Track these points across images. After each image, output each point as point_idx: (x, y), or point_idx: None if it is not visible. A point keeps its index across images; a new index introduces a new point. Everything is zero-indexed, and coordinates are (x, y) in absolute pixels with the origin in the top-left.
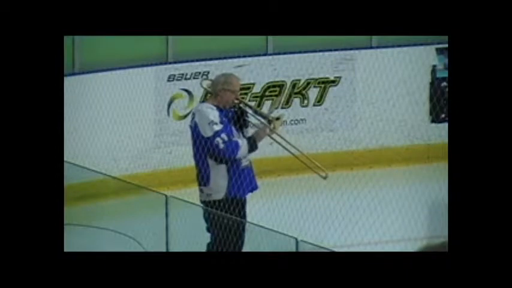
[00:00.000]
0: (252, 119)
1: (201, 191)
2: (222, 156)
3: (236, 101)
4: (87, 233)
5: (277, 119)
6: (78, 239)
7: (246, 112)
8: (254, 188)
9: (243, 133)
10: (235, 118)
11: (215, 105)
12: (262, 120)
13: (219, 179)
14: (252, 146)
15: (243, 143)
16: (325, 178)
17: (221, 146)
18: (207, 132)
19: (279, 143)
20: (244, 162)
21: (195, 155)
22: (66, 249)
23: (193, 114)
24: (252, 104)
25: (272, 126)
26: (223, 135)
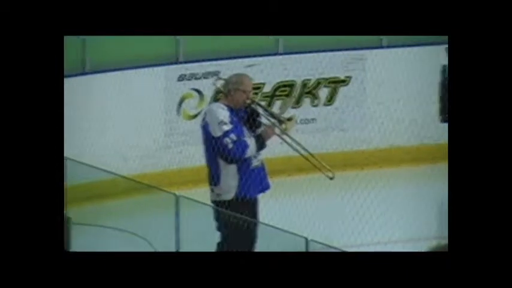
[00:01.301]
0: (263, 119)
1: (211, 190)
2: (231, 157)
3: (248, 101)
4: (96, 232)
5: (289, 119)
6: (87, 238)
7: (258, 112)
8: (265, 188)
9: (255, 133)
10: (247, 118)
11: (226, 105)
12: (274, 120)
13: (229, 179)
14: (261, 144)
15: (251, 142)
16: (331, 179)
17: (230, 146)
18: (217, 132)
19: (289, 144)
20: (255, 163)
21: (206, 155)
22: (75, 249)
23: (205, 113)
24: (264, 104)
25: (284, 127)
26: (232, 135)
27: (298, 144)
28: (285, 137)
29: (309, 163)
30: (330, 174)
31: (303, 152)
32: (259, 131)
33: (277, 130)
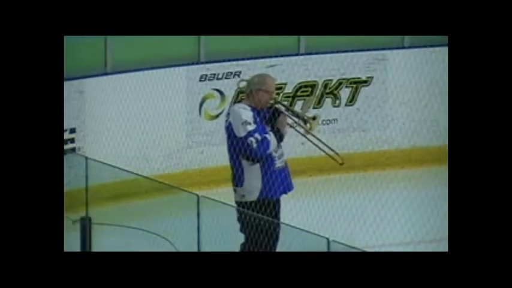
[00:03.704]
0: (287, 119)
1: (235, 191)
2: (255, 156)
3: (271, 101)
4: (118, 232)
5: (314, 118)
6: (109, 238)
7: (281, 112)
8: (288, 189)
9: (279, 133)
10: (270, 118)
11: (249, 106)
12: (298, 120)
13: (253, 179)
14: (279, 136)
15: (271, 137)
16: (341, 164)
17: (254, 145)
18: (241, 132)
19: (310, 140)
20: (278, 164)
21: (230, 156)
22: (96, 249)
23: (228, 114)
24: (287, 104)
25: (308, 126)
26: (257, 135)
27: (313, 135)
28: (298, 128)
29: (333, 162)
30: (340, 160)
31: (315, 141)
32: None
33: (301, 130)
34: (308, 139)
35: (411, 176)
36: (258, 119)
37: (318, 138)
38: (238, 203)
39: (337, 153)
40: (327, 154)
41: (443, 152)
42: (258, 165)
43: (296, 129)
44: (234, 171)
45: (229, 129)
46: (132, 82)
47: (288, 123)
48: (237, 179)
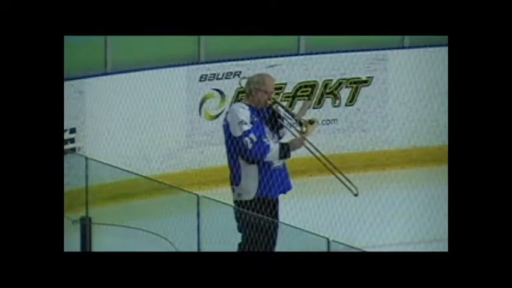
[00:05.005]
0: (284, 121)
1: (232, 190)
2: (250, 156)
3: (269, 101)
4: (118, 232)
5: (311, 122)
6: (109, 238)
7: (279, 113)
8: (287, 188)
9: (278, 134)
10: (269, 118)
11: (248, 105)
12: (294, 122)
13: (250, 179)
14: (285, 153)
15: (274, 147)
16: (356, 195)
17: (249, 146)
18: (237, 132)
19: (311, 152)
20: (277, 163)
21: (229, 155)
22: (96, 249)
23: (226, 113)
24: (285, 104)
25: (304, 129)
26: (252, 136)
27: (323, 156)
28: (313, 149)
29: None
30: (354, 191)
31: (328, 165)
32: (281, 132)
33: (304, 141)
34: (314, 154)
35: (411, 176)
36: (256, 119)
37: (316, 148)
38: (236, 202)
39: (350, 181)
40: (341, 181)
41: (443, 152)
42: (255, 165)
43: (291, 131)
44: (231, 169)
45: (226, 128)
46: (132, 82)
47: (304, 145)
48: (235, 178)
